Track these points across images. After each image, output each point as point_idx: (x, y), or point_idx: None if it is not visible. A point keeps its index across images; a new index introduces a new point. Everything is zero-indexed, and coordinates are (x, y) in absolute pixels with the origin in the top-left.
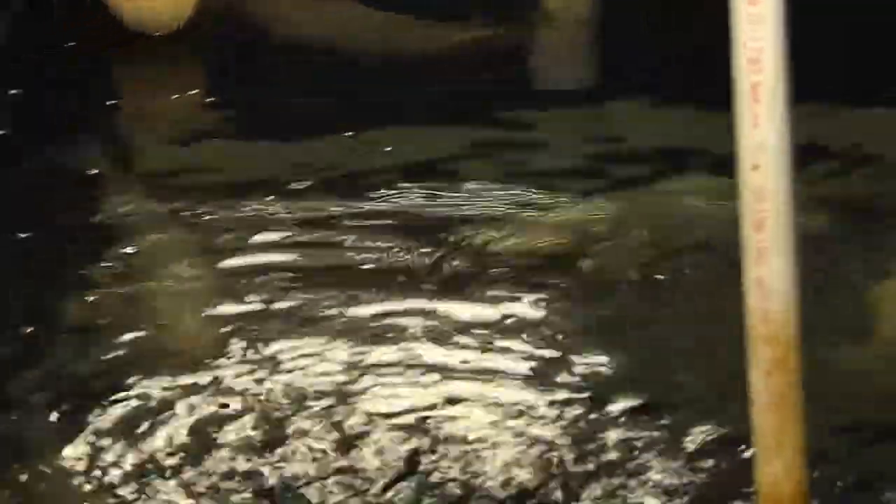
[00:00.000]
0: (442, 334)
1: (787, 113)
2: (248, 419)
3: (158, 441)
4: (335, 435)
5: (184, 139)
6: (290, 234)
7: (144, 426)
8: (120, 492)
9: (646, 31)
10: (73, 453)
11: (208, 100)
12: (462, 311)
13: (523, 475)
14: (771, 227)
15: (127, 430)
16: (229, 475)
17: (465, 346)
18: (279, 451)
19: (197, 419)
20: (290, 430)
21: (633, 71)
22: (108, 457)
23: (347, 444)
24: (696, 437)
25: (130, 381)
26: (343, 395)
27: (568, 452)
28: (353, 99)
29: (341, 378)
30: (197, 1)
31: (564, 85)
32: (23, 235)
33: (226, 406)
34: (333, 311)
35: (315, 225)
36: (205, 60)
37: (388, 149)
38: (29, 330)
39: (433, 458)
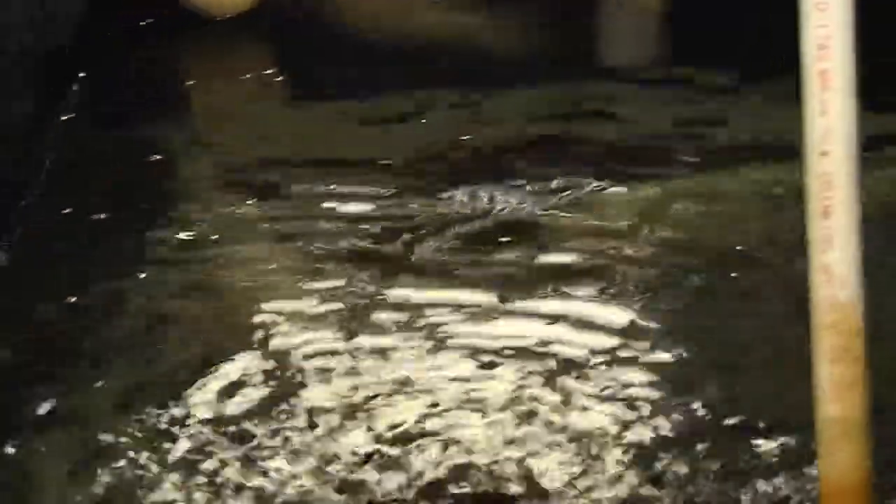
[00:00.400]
0: None
1: (855, 100)
2: None
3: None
4: None
5: (252, 117)
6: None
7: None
8: None
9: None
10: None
11: (276, 79)
12: None
13: None
14: (838, 215)
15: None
16: None
17: None
18: None
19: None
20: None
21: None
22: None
23: None
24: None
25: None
26: None
27: None
28: (413, 73)
29: None
30: None
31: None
32: (98, 217)
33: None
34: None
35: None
36: (271, 42)
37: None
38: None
39: None
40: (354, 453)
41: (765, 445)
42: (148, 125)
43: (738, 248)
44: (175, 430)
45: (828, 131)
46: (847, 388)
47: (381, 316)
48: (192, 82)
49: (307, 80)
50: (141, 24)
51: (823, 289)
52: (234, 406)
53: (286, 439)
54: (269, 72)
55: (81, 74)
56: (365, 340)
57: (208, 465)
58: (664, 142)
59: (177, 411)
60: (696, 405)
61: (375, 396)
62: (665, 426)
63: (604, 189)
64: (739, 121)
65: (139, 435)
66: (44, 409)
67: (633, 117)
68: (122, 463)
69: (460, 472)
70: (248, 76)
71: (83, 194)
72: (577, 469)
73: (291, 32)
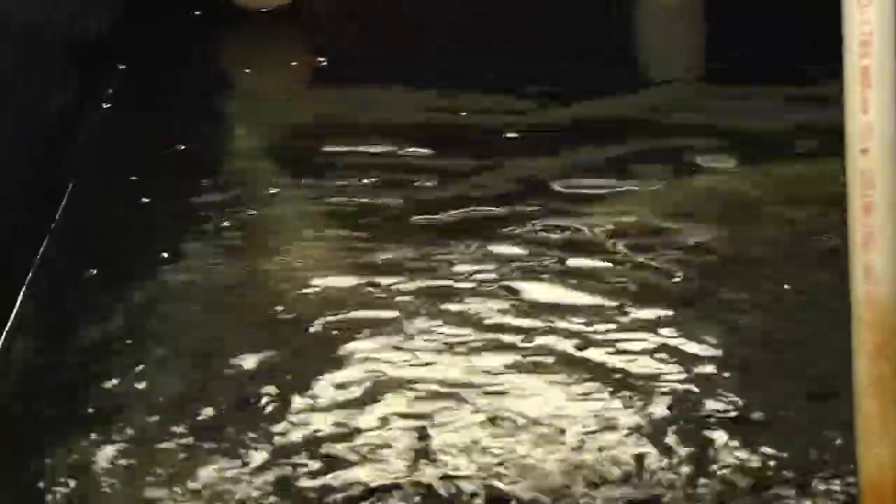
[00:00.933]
0: None
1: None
2: None
3: None
4: None
5: (296, 104)
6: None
7: None
8: None
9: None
10: None
11: (319, 64)
12: None
13: None
14: (879, 212)
15: None
16: None
17: None
18: None
19: None
20: None
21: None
22: None
23: None
24: None
25: None
26: None
27: None
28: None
29: None
30: None
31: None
32: (144, 200)
33: None
34: None
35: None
36: (312, 36)
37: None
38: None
39: None
40: None
41: None
42: (188, 114)
43: None
44: None
45: (868, 128)
46: (885, 384)
47: None
48: (233, 71)
49: (352, 68)
50: (182, 15)
51: (863, 286)
52: None
53: None
54: (315, 60)
55: (121, 66)
56: None
57: None
58: None
59: None
60: None
61: None
62: None
63: None
64: None
65: None
66: None
67: None
68: None
69: None
70: (293, 64)
71: (122, 181)
72: None
73: (335, 22)
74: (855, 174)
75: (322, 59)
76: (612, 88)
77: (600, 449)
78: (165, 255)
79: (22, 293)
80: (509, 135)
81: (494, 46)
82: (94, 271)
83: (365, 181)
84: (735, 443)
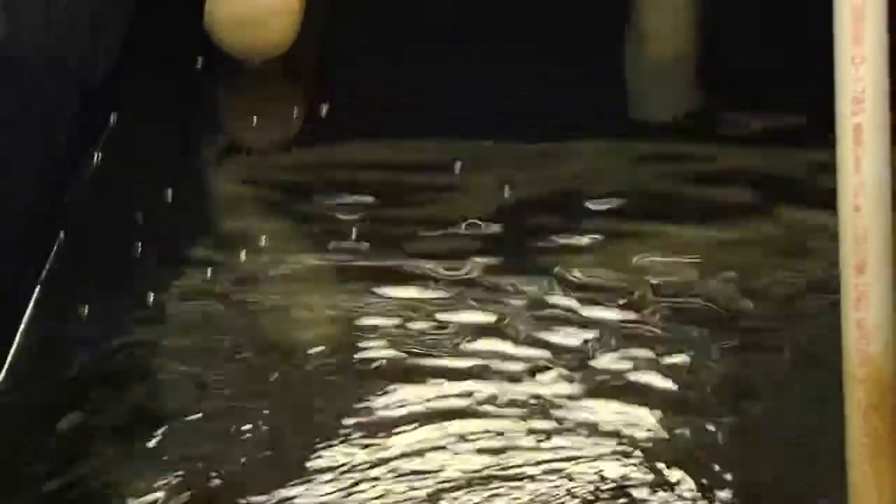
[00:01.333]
0: None
1: (889, 154)
2: None
3: None
4: None
5: (293, 155)
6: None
7: None
8: None
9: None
10: None
11: (313, 115)
12: None
13: None
14: (872, 270)
15: None
16: None
17: None
18: None
19: None
20: None
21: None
22: None
23: None
24: None
25: None
26: None
27: None
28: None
29: None
30: (295, 31)
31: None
32: (134, 253)
33: None
34: None
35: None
36: (303, 87)
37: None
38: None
39: None
40: None
41: None
42: (181, 165)
43: None
44: None
45: (861, 185)
46: (879, 444)
47: None
48: (226, 122)
49: (345, 118)
50: (180, 66)
51: (855, 343)
52: None
53: None
54: (308, 111)
55: (116, 114)
56: None
57: None
58: None
59: None
60: None
61: None
62: None
63: None
64: None
65: None
66: None
67: None
68: None
69: None
70: (292, 116)
71: (112, 232)
72: None
73: (328, 74)
74: (847, 232)
75: (320, 108)
76: (602, 135)
77: None
78: (150, 304)
79: (14, 345)
80: (507, 189)
81: (490, 92)
82: (86, 310)
83: (357, 231)
84: None
